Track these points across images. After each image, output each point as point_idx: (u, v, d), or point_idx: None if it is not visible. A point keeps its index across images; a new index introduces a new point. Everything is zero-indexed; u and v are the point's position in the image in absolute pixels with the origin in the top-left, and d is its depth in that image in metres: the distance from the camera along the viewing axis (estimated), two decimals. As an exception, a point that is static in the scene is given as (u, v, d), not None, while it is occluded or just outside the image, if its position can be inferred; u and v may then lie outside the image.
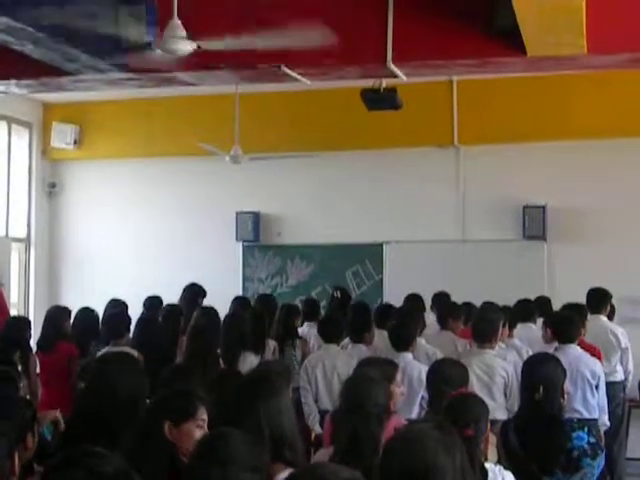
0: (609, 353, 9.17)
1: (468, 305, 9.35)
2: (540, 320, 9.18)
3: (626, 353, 9.38)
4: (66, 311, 9.02)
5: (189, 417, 4.00)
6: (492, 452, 4.75)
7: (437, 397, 5.43)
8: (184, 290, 10.04)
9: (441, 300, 9.80)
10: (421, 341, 8.26)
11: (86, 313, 9.08)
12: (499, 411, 7.01)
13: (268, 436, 3.74)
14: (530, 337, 8.92)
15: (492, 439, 4.94)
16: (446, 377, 5.67)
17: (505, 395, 7.33)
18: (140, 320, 8.61)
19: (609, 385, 8.78)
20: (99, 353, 7.77)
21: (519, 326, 8.88)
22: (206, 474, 3.08)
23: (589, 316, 9.12)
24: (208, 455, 3.16)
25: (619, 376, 9.35)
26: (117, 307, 9.39)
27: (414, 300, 9.84)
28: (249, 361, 7.57)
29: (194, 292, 10.00)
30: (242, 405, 3.92)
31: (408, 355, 7.37)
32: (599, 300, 9.39)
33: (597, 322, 9.21)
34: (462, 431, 3.99)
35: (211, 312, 8.66)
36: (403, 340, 7.48)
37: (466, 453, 3.56)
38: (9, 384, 5.29)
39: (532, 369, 5.70)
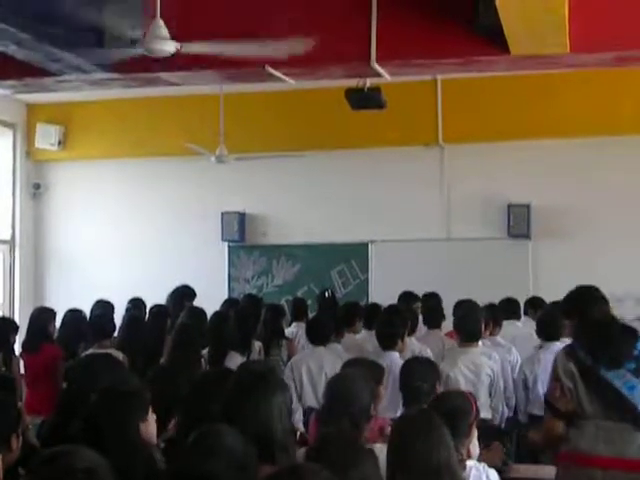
0: None
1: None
2: (525, 318, 9.24)
3: None
4: (51, 313, 8.99)
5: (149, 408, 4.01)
6: (475, 449, 4.75)
7: (411, 394, 5.44)
8: (173, 291, 10.03)
9: (429, 301, 9.76)
10: (410, 340, 8.25)
11: (74, 315, 9.04)
12: (483, 410, 7.01)
13: (254, 435, 3.66)
14: (515, 334, 8.94)
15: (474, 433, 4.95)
16: (421, 375, 5.65)
17: (490, 394, 7.33)
18: (126, 320, 8.60)
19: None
20: (84, 354, 7.78)
21: (504, 323, 8.89)
22: (195, 467, 3.08)
23: None
24: (199, 449, 3.15)
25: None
26: (103, 307, 9.39)
27: (407, 298, 9.81)
28: (235, 361, 7.55)
29: (183, 293, 9.99)
30: (231, 402, 3.89)
31: (394, 354, 7.35)
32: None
33: None
34: None
35: (197, 312, 8.65)
36: (389, 338, 7.46)
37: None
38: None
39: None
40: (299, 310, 10.04)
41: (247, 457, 3.18)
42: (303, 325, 9.47)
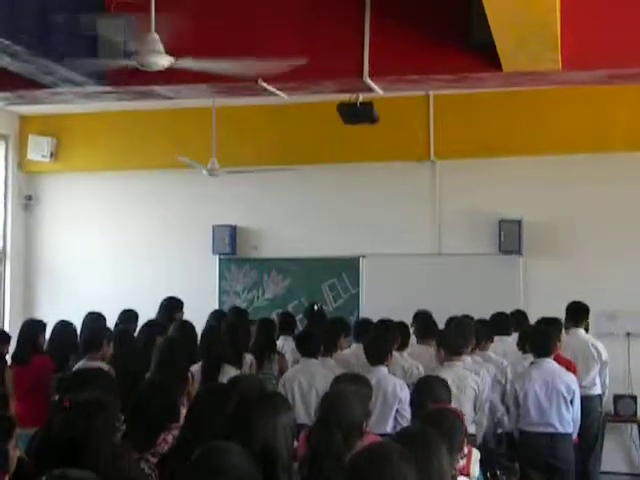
0: (589, 366, 9.21)
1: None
2: (515, 334, 9.24)
3: (605, 367, 9.40)
4: (41, 324, 8.96)
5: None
6: (475, 467, 4.77)
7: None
8: (161, 303, 10.00)
9: (422, 317, 9.74)
10: (400, 355, 8.26)
11: (64, 326, 9.00)
12: (467, 424, 7.01)
13: (258, 454, 3.65)
14: (505, 350, 8.97)
15: (476, 455, 4.96)
16: (434, 394, 5.67)
17: (474, 408, 7.34)
18: (115, 334, 8.58)
19: (588, 399, 8.84)
20: (75, 367, 7.76)
21: (495, 339, 8.90)
22: None
23: (570, 330, 9.16)
24: (204, 466, 3.13)
25: (597, 390, 9.38)
26: (95, 320, 9.36)
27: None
28: (229, 375, 7.53)
29: (171, 305, 9.97)
30: (236, 420, 3.88)
31: (383, 369, 7.35)
32: (579, 313, 9.42)
33: (577, 335, 9.25)
34: None
35: (186, 326, 8.63)
36: (378, 354, 7.45)
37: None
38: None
39: None
40: (286, 324, 10.02)
41: (253, 476, 3.16)
42: (289, 339, 9.49)
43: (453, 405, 6.33)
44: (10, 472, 3.92)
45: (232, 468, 3.11)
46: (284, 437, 3.82)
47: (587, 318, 9.51)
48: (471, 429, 7.04)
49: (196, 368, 7.65)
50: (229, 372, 7.57)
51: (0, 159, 13.10)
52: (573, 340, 9.13)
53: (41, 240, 13.45)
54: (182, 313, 9.89)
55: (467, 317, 9.02)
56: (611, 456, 10.53)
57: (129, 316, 9.80)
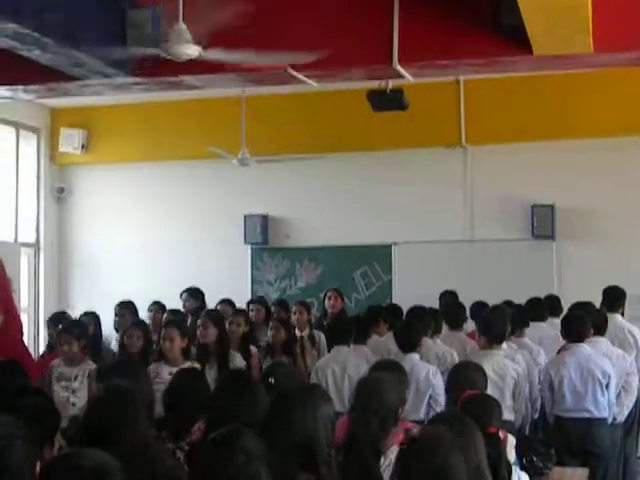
0: (626, 352, 9.10)
1: (482, 304, 9.24)
2: (551, 319, 9.19)
3: None
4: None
5: None
6: (511, 453, 4.75)
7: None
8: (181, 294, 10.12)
9: (447, 299, 9.74)
10: (434, 341, 8.24)
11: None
12: (507, 412, 6.98)
13: (299, 445, 3.67)
14: (541, 336, 8.91)
15: (511, 441, 4.94)
16: (470, 380, 5.65)
17: (513, 396, 7.30)
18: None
19: (625, 384, 8.75)
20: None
21: (530, 325, 8.84)
22: (225, 459, 3.06)
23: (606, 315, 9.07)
24: (218, 445, 3.13)
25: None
26: (123, 310, 9.48)
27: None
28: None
29: (200, 293, 10.05)
30: (277, 411, 3.88)
31: (415, 356, 7.31)
32: (615, 298, 9.30)
33: (614, 320, 9.12)
34: (485, 429, 4.04)
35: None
36: (409, 341, 7.41)
37: (494, 450, 3.62)
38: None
39: None
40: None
41: (266, 460, 3.15)
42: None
43: (494, 394, 6.30)
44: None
45: (246, 449, 3.11)
46: (324, 429, 3.81)
47: (623, 303, 9.37)
48: (508, 416, 7.01)
49: None
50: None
51: (32, 152, 13.18)
52: (609, 325, 9.03)
53: (74, 232, 13.52)
54: (205, 303, 9.94)
55: (507, 303, 8.98)
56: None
57: (157, 308, 9.89)
